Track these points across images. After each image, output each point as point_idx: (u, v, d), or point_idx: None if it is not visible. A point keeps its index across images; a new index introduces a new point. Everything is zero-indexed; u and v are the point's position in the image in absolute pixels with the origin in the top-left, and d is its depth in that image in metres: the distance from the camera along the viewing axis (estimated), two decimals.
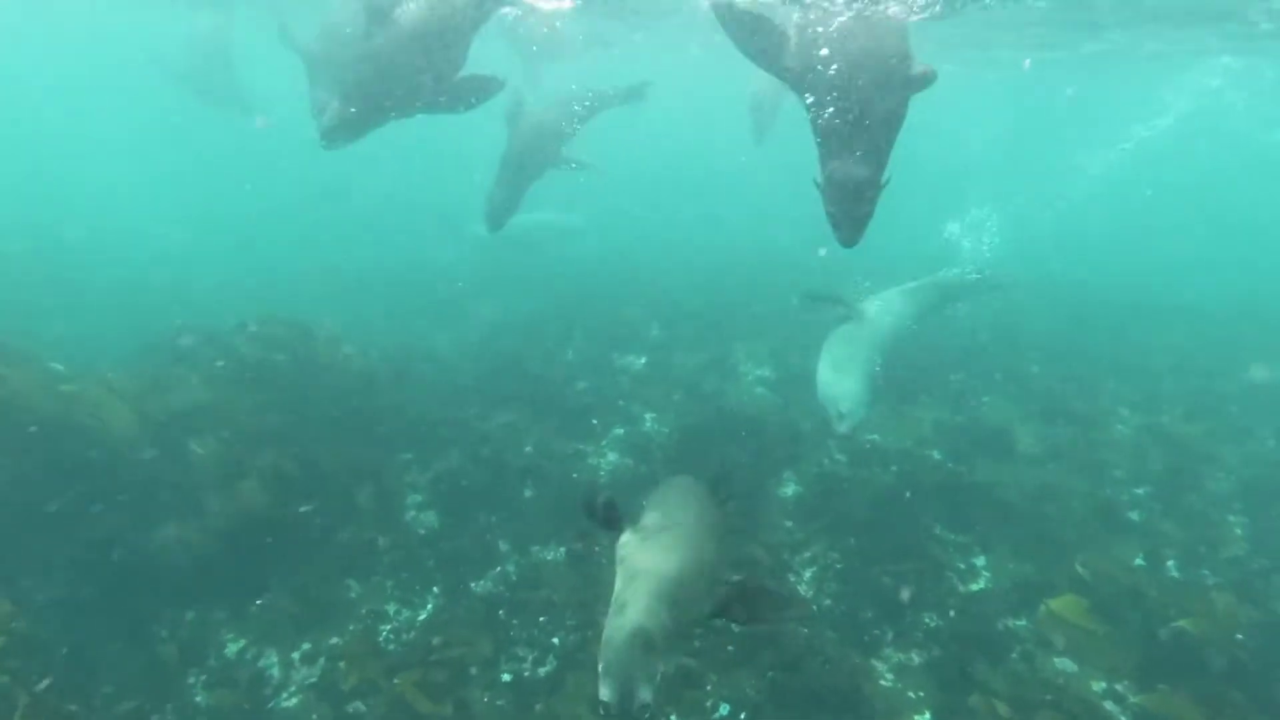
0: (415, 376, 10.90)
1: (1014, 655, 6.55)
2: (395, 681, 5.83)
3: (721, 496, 5.02)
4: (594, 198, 17.45)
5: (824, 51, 5.20)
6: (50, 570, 6.42)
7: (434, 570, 7.36)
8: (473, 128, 8.41)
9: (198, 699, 5.92)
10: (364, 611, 6.81)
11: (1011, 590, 7.30)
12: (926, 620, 6.90)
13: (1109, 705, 6.07)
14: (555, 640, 6.54)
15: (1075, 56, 17.07)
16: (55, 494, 6.63)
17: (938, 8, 8.91)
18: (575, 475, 8.77)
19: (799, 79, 5.35)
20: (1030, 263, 17.30)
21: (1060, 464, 9.44)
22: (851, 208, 5.07)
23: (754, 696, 5.93)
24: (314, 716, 5.76)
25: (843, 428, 8.15)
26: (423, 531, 7.91)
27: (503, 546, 7.72)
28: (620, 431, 9.90)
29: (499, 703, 5.94)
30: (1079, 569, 7.19)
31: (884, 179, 5.15)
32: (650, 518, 4.21)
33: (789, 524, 8.14)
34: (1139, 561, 7.72)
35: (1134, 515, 8.49)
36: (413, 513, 8.17)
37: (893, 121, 5.13)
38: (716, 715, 5.85)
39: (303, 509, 7.25)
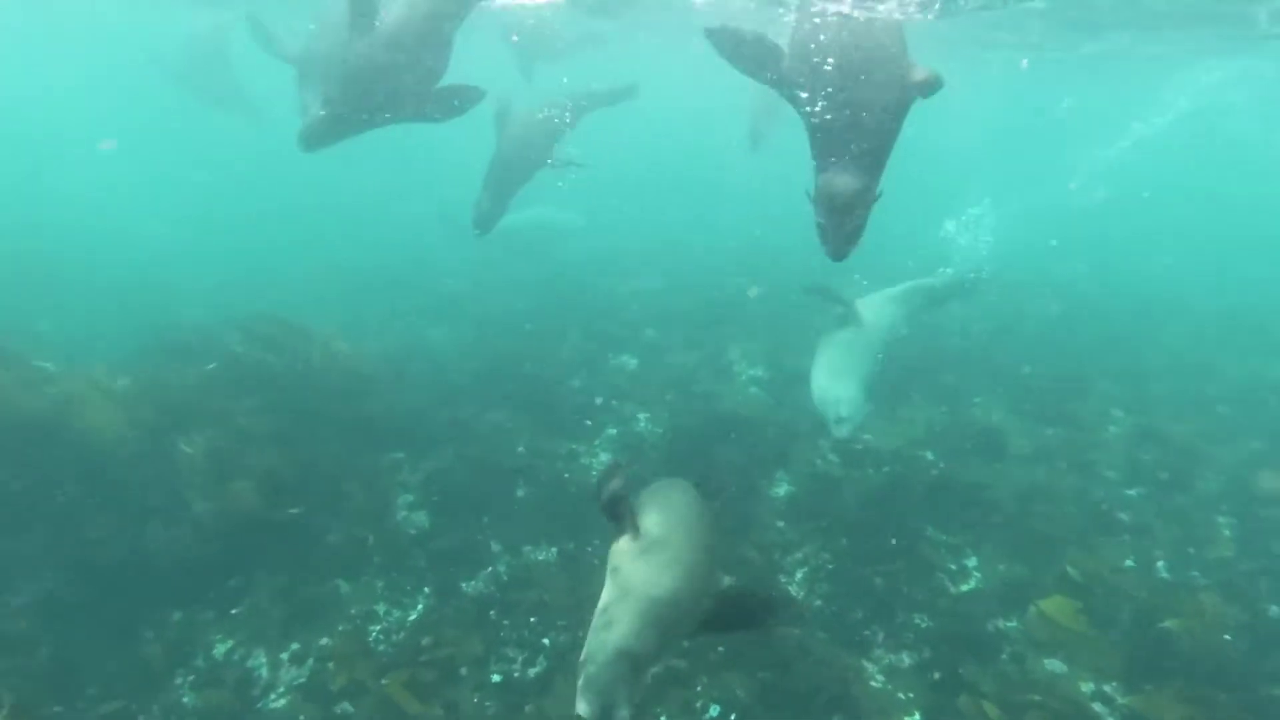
0: (410, 376, 10.91)
1: (1003, 656, 6.55)
2: (384, 682, 5.84)
3: (710, 495, 5.00)
4: (592, 197, 17.47)
5: (816, 62, 5.12)
6: (37, 570, 6.41)
7: (425, 570, 7.35)
8: (473, 128, 8.38)
9: (185, 699, 5.92)
10: (353, 612, 6.81)
11: (1002, 591, 7.30)
12: (917, 621, 6.91)
13: (1097, 706, 6.07)
14: (546, 641, 6.54)
15: (1075, 57, 17.07)
16: (44, 494, 6.64)
17: (936, 6, 8.92)
18: (567, 475, 8.77)
19: (794, 91, 5.30)
20: (1025, 262, 17.31)
21: (1051, 464, 9.45)
22: (841, 221, 4.94)
23: (744, 697, 5.92)
24: (301, 717, 5.76)
25: (842, 432, 8.17)
26: (413, 531, 7.90)
27: (494, 546, 7.72)
28: (613, 431, 9.90)
29: (488, 704, 5.94)
30: (1069, 570, 7.20)
31: (877, 192, 5.03)
32: (647, 526, 4.06)
33: (781, 524, 8.14)
34: (1129, 562, 7.73)
35: (1124, 516, 8.49)
36: (404, 512, 8.16)
37: (888, 132, 5.01)
38: (706, 716, 5.85)
39: (292, 510, 7.24)
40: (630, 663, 3.34)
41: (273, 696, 6.04)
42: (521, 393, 10.45)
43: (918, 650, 6.60)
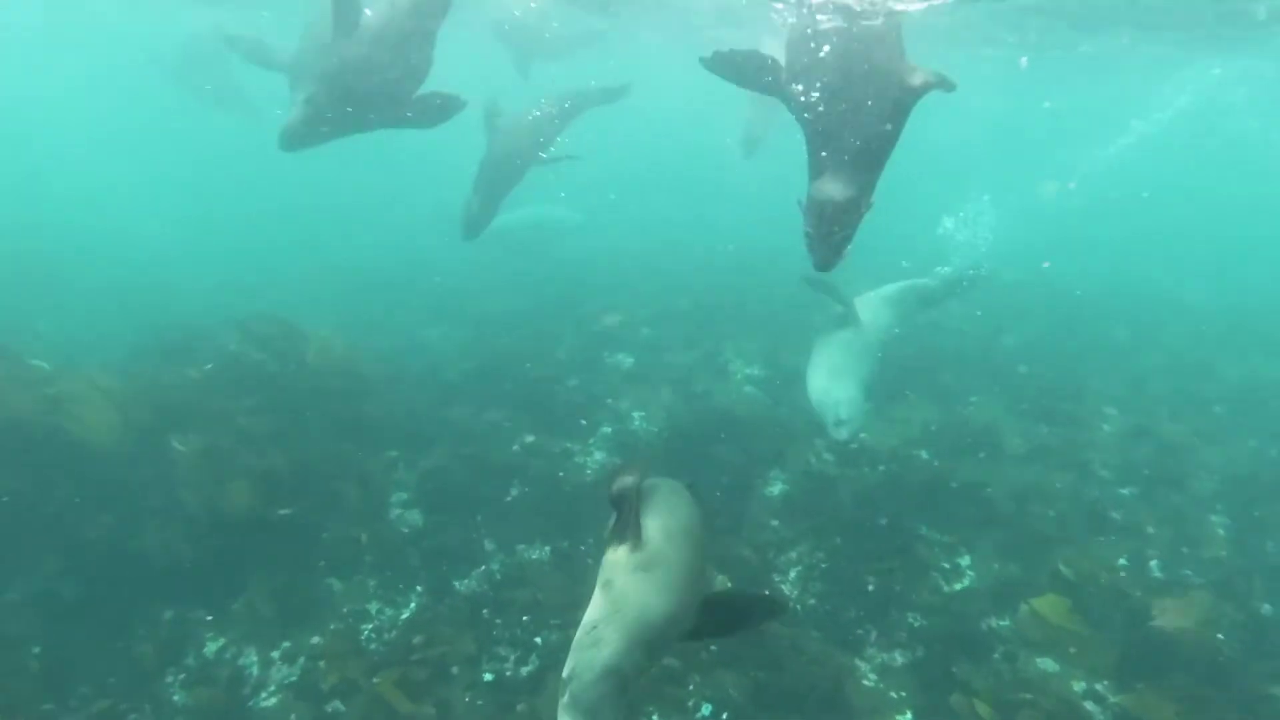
0: (406, 375, 10.92)
1: (996, 655, 6.55)
2: (375, 681, 5.84)
3: (703, 497, 4.95)
4: (591, 196, 17.45)
5: (811, 68, 5.11)
6: (30, 568, 6.43)
7: (418, 569, 7.36)
8: (467, 129, 8.37)
9: (176, 698, 5.93)
10: (345, 610, 6.81)
11: (995, 590, 7.30)
12: (910, 620, 6.91)
13: (1089, 705, 6.07)
14: (538, 640, 6.54)
15: (1073, 55, 17.04)
16: (39, 493, 6.65)
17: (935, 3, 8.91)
18: (561, 474, 8.77)
19: (790, 97, 5.27)
20: (1022, 261, 17.28)
21: (1046, 463, 9.44)
22: (828, 230, 4.90)
23: (736, 696, 5.92)
24: (292, 716, 5.77)
25: (841, 434, 8.13)
26: (407, 530, 7.91)
27: (488, 545, 7.72)
28: (608, 430, 9.90)
29: (480, 702, 5.94)
30: (1062, 568, 7.19)
31: (868, 203, 4.97)
32: (647, 535, 3.81)
33: (775, 523, 8.14)
34: (1122, 561, 7.72)
35: (1118, 515, 8.49)
36: (398, 511, 8.17)
37: (885, 137, 4.96)
38: (699, 715, 5.85)
39: (284, 511, 7.24)
40: (618, 681, 3.22)
41: (264, 695, 6.05)
42: (517, 392, 10.45)
43: (911, 649, 6.61)
